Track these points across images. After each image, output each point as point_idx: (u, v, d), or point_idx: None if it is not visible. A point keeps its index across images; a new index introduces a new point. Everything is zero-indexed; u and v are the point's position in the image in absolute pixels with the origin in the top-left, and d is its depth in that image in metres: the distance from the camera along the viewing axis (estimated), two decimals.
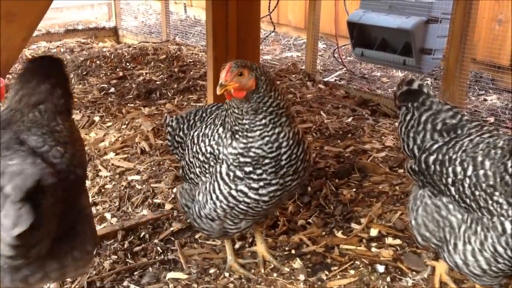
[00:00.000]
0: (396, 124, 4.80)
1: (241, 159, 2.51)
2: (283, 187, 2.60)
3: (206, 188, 2.68)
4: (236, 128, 2.50)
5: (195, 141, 2.76)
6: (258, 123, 2.46)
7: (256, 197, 2.57)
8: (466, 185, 2.30)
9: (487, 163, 2.25)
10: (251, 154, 2.49)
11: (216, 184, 2.61)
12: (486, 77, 6.34)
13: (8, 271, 2.10)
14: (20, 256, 2.00)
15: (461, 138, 2.44)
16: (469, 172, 2.30)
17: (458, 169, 2.34)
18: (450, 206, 2.44)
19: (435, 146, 2.49)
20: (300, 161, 2.59)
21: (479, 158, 2.28)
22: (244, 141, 2.49)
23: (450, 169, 2.38)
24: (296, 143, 2.55)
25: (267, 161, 2.49)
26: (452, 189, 2.38)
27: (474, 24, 4.83)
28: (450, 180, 2.38)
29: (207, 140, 2.66)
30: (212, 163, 2.64)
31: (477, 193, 2.27)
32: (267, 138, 2.47)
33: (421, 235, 2.58)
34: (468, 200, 2.32)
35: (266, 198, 2.58)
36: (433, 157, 2.47)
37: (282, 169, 2.54)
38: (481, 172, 2.26)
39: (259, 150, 2.48)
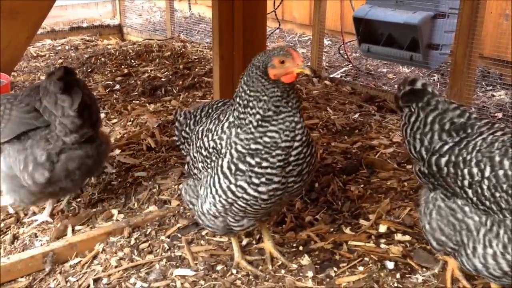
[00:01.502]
0: None
1: (252, 146, 2.46)
2: (284, 187, 2.56)
3: (207, 181, 2.67)
4: (270, 113, 2.44)
5: (199, 136, 2.74)
6: (284, 109, 2.45)
7: (255, 194, 2.53)
8: (485, 187, 2.21)
9: (507, 163, 2.15)
10: (266, 139, 2.44)
11: (216, 177, 2.59)
12: (494, 72, 6.28)
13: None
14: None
15: (472, 137, 2.34)
16: (487, 173, 2.20)
17: (475, 170, 2.24)
18: (466, 209, 2.34)
19: (446, 147, 2.39)
20: (306, 164, 2.56)
21: (497, 158, 2.18)
22: (268, 125, 2.45)
23: (465, 171, 2.28)
24: (308, 143, 2.54)
25: (278, 151, 2.46)
26: (469, 191, 2.28)
27: (482, 19, 4.75)
28: (466, 182, 2.28)
29: (210, 135, 2.64)
30: (214, 158, 2.61)
31: (497, 194, 2.17)
32: (287, 123, 2.44)
33: (436, 239, 2.50)
34: (487, 203, 2.22)
35: (265, 196, 2.55)
36: (445, 159, 2.37)
37: (289, 166, 2.51)
38: (501, 172, 2.16)
39: (276, 134, 2.44)
